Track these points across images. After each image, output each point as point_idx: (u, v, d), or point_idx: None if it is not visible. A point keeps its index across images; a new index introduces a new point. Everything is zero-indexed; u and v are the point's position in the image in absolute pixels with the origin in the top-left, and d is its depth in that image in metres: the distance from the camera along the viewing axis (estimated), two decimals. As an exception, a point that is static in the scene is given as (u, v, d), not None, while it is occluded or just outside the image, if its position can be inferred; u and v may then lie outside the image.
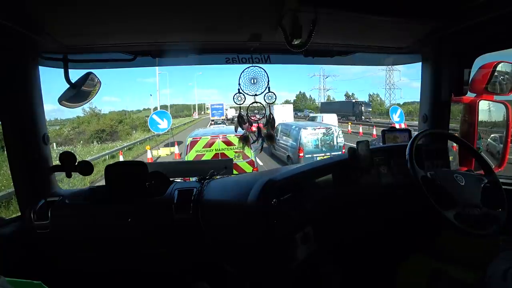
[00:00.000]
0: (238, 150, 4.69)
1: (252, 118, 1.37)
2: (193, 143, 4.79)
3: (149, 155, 9.22)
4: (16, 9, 0.86)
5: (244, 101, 1.28)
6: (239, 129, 1.37)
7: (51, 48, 1.15)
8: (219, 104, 25.59)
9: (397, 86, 43.26)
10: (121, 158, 9.70)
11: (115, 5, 0.88)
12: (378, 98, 45.26)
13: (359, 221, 1.21)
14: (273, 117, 1.34)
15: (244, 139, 1.36)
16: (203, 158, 4.74)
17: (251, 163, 4.72)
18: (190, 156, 4.80)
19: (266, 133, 1.35)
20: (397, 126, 7.46)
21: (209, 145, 4.79)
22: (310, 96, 55.24)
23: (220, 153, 4.71)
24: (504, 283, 0.86)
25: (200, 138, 4.84)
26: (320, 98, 50.15)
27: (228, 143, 4.73)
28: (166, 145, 10.62)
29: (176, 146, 9.23)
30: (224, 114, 24.37)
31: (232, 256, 1.16)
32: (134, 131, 20.52)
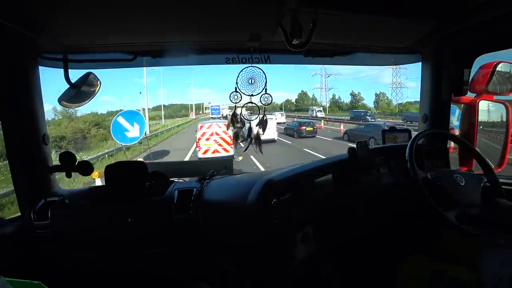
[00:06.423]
0: (225, 131, 7.87)
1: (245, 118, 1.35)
2: (201, 126, 8.42)
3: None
4: (16, 9, 0.86)
5: (240, 100, 1.27)
6: (231, 127, 1.35)
7: (51, 48, 1.14)
8: (217, 105, 34.65)
9: (403, 85, 41.84)
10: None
11: (115, 5, 0.88)
12: (385, 97, 44.58)
13: (359, 221, 1.21)
14: (266, 119, 1.32)
15: (235, 136, 1.35)
16: (206, 136, 8.22)
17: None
18: (198, 134, 8.30)
19: (256, 134, 1.33)
20: (456, 132, 6.84)
21: (209, 127, 8.33)
22: (313, 95, 54.75)
23: (215, 132, 8.21)
24: None
25: (204, 124, 8.58)
26: (322, 97, 49.95)
27: (219, 127, 8.23)
28: (146, 158, 7.64)
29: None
30: (221, 113, 30.66)
31: (232, 256, 1.16)
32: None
